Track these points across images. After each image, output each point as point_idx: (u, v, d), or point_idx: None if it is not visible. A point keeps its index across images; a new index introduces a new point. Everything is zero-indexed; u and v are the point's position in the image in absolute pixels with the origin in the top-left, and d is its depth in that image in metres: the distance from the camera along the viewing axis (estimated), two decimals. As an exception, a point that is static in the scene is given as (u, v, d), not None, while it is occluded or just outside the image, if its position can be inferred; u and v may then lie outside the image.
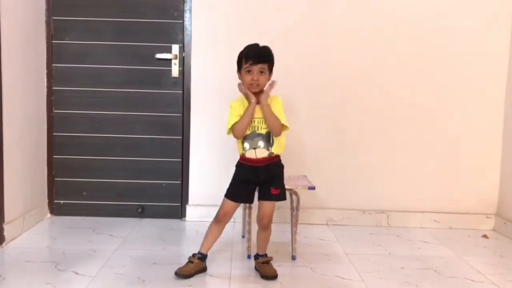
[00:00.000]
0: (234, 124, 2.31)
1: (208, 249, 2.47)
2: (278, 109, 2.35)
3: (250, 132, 2.34)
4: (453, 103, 3.37)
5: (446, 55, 3.34)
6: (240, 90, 2.36)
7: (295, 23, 3.30)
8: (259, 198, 2.44)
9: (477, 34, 3.34)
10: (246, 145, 2.35)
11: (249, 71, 2.29)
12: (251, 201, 2.47)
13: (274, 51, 2.36)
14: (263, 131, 2.33)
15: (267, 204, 2.40)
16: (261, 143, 2.33)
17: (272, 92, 2.35)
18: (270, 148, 2.35)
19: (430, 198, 3.43)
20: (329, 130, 3.39)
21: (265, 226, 2.45)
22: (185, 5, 3.31)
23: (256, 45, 2.35)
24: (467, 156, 3.40)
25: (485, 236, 3.24)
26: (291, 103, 3.34)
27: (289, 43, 3.29)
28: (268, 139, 2.34)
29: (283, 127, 2.33)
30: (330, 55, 3.33)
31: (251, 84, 2.29)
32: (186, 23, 3.32)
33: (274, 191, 2.38)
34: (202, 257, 2.45)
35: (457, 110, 3.38)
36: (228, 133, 2.37)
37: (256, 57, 2.28)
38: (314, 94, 3.35)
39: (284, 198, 2.44)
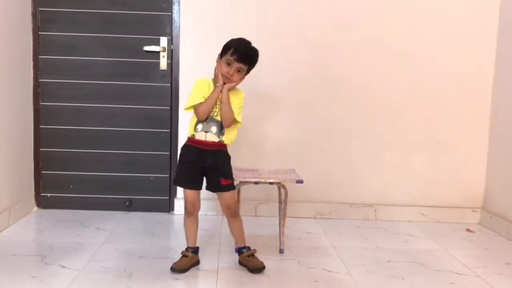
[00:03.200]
0: (198, 104, 2.31)
1: (195, 242, 2.47)
2: (237, 102, 2.36)
3: None
4: (440, 99, 3.39)
5: (433, 52, 3.35)
6: (215, 71, 2.34)
7: (284, 17, 3.29)
8: (211, 190, 2.43)
9: (464, 30, 3.35)
10: (199, 126, 2.34)
11: (229, 63, 2.29)
12: (199, 187, 2.41)
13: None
14: (219, 118, 2.33)
15: (226, 194, 2.40)
16: (214, 129, 2.33)
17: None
18: (221, 136, 2.34)
19: (417, 192, 3.45)
20: (317, 124, 3.39)
21: (233, 214, 2.46)
22: (173, -3, 3.29)
23: (248, 43, 2.34)
24: (454, 151, 3.43)
25: (468, 230, 3.27)
26: (279, 97, 3.34)
27: (278, 37, 3.28)
28: (222, 127, 2.34)
29: (235, 121, 2.35)
30: (319, 50, 3.33)
31: (225, 76, 2.30)
32: (175, 15, 3.30)
33: (224, 181, 2.38)
34: (194, 250, 2.46)
35: (443, 105, 3.39)
36: (186, 109, 2.37)
37: (242, 56, 2.29)
38: (302, 88, 3.35)
39: (233, 188, 2.44)
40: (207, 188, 2.44)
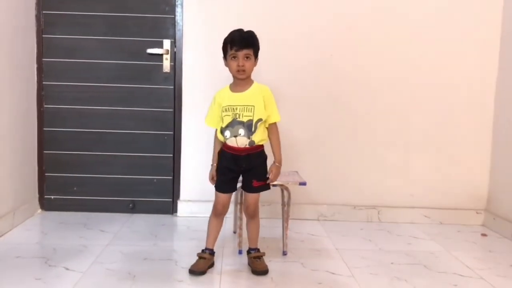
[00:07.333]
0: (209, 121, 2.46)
1: (214, 244, 2.48)
2: (273, 104, 2.39)
3: (231, 119, 2.32)
4: (443, 100, 3.38)
5: (436, 53, 3.35)
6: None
7: (287, 19, 3.29)
8: (243, 188, 2.46)
9: (467, 31, 3.35)
10: (227, 133, 2.34)
11: (234, 57, 2.29)
12: (233, 191, 2.46)
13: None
14: (245, 119, 2.31)
15: (251, 195, 2.43)
16: (241, 131, 2.32)
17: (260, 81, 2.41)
18: (251, 136, 2.33)
19: (420, 194, 3.44)
20: (320, 126, 3.39)
21: (251, 215, 2.47)
22: (176, 0, 3.29)
23: (240, 30, 2.34)
24: (457, 152, 3.42)
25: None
26: (283, 99, 3.33)
27: (283, 38, 3.29)
28: (249, 127, 2.32)
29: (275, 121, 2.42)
30: (323, 53, 3.33)
31: (238, 71, 2.29)
32: (178, 18, 3.31)
33: (256, 183, 2.40)
34: (211, 252, 2.47)
35: (447, 107, 3.39)
36: (205, 122, 2.49)
37: (240, 43, 2.27)
38: (305, 90, 3.35)
39: (268, 188, 2.46)
40: (242, 188, 2.48)
